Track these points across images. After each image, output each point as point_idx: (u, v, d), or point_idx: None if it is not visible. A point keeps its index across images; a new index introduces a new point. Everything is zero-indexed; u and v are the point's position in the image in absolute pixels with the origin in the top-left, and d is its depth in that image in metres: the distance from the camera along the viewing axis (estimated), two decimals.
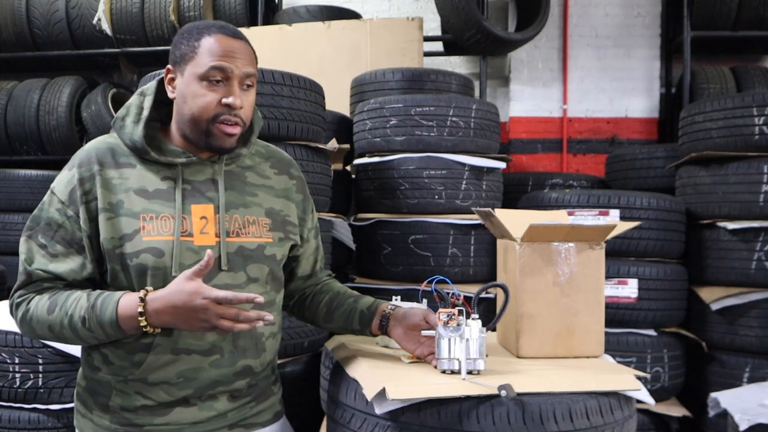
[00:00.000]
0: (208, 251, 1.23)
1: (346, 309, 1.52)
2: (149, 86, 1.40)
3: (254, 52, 1.39)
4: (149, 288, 1.27)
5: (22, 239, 1.35)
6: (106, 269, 1.32)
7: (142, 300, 1.24)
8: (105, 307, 1.25)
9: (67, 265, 1.31)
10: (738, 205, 3.04)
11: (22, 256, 1.33)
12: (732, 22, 4.67)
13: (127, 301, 1.25)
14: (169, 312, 1.23)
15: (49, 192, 1.36)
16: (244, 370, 1.40)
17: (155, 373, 1.32)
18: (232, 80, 1.32)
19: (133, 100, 1.40)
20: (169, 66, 1.37)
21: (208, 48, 1.31)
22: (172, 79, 1.37)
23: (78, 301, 1.27)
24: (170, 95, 1.37)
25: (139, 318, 1.24)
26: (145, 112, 1.36)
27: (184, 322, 1.23)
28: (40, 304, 1.30)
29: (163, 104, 1.41)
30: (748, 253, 3.02)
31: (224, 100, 1.32)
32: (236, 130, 1.35)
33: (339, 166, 3.30)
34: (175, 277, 1.28)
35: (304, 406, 2.66)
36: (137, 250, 1.29)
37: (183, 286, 1.21)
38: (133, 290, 1.31)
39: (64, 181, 1.35)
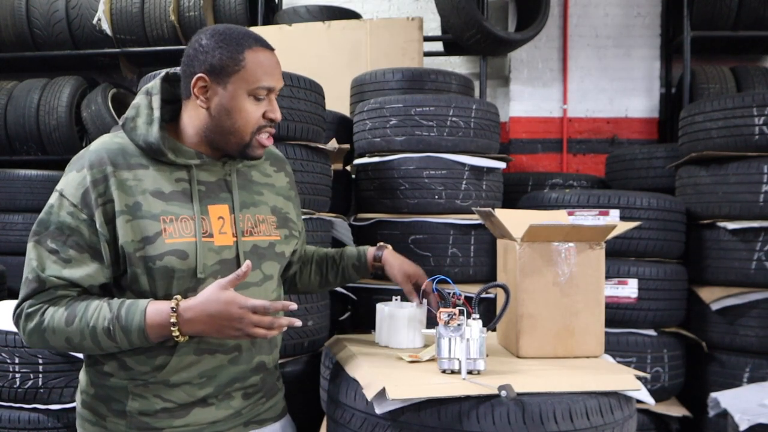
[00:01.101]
0: (247, 262, 1.25)
1: (337, 268, 1.67)
2: (154, 85, 1.38)
3: None
4: (178, 297, 1.25)
5: (30, 245, 1.29)
6: (123, 273, 1.30)
7: (174, 310, 1.23)
8: (131, 317, 1.23)
9: (83, 271, 1.27)
10: (738, 205, 3.04)
11: (32, 263, 1.27)
12: (732, 22, 4.67)
13: (156, 311, 1.24)
14: (203, 321, 1.22)
15: (57, 195, 1.30)
16: (259, 367, 1.42)
17: (178, 374, 1.32)
18: (272, 94, 1.37)
19: (140, 99, 1.37)
20: (201, 74, 1.32)
21: (254, 63, 1.33)
22: (205, 88, 1.33)
23: (99, 311, 1.24)
24: (200, 104, 1.34)
25: (172, 328, 1.23)
26: (156, 113, 1.34)
27: (217, 330, 1.23)
28: (56, 315, 1.25)
29: (166, 103, 1.40)
30: (748, 253, 3.02)
31: (269, 115, 1.36)
32: (271, 142, 1.40)
33: (339, 166, 3.30)
34: (200, 278, 1.29)
35: (304, 406, 2.66)
36: (160, 252, 1.28)
37: (218, 296, 1.21)
38: (154, 293, 1.29)
39: (74, 183, 1.29)
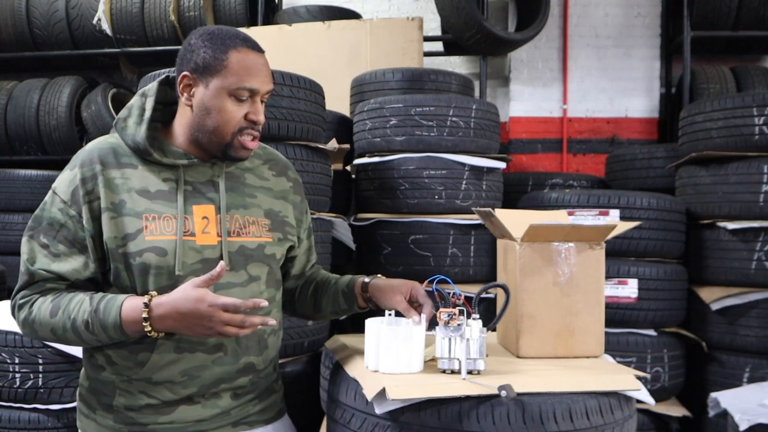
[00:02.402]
0: (221, 262, 1.24)
1: (329, 293, 1.56)
2: (150, 87, 1.40)
3: None
4: (153, 293, 1.27)
5: (24, 239, 1.34)
6: (109, 268, 1.33)
7: (147, 305, 1.24)
8: (108, 311, 1.25)
9: (70, 265, 1.31)
10: (738, 205, 3.04)
11: (24, 256, 1.33)
12: (732, 22, 4.67)
13: (131, 306, 1.25)
14: (173, 318, 1.23)
15: (50, 192, 1.36)
16: (247, 368, 1.41)
17: (159, 372, 1.32)
18: (256, 97, 1.36)
19: (135, 101, 1.40)
20: (186, 72, 1.34)
21: (237, 64, 1.32)
22: (189, 86, 1.35)
23: (81, 305, 1.27)
24: (185, 102, 1.36)
25: (144, 323, 1.24)
26: (147, 114, 1.37)
27: (188, 328, 1.24)
28: (42, 307, 1.30)
29: (163, 105, 1.42)
30: (748, 253, 3.02)
31: (250, 116, 1.35)
32: (256, 144, 1.39)
33: (339, 166, 3.30)
34: (179, 275, 1.30)
35: (304, 406, 2.66)
36: (140, 249, 1.30)
37: (189, 293, 1.22)
38: (136, 290, 1.31)
39: (65, 180, 1.35)
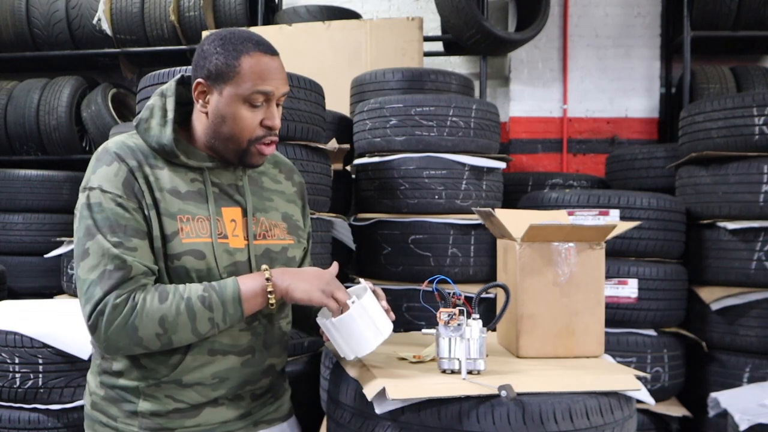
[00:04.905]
0: (335, 263, 1.35)
1: (305, 312, 1.55)
2: (168, 87, 1.38)
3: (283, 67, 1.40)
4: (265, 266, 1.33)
5: (89, 245, 1.24)
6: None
7: (266, 269, 1.31)
8: (224, 286, 1.27)
9: (151, 256, 1.27)
10: (738, 205, 3.04)
11: (103, 259, 1.23)
12: (732, 22, 4.67)
13: (246, 276, 1.31)
14: (294, 275, 1.31)
15: (97, 192, 1.27)
16: (269, 369, 1.43)
17: (190, 374, 1.32)
18: (271, 101, 1.34)
19: (155, 101, 1.37)
20: (200, 80, 1.32)
21: (250, 69, 1.30)
22: (204, 93, 1.33)
23: (190, 287, 1.25)
24: (200, 109, 1.35)
25: (266, 282, 1.28)
26: (170, 115, 1.34)
27: (306, 280, 1.30)
28: (148, 297, 1.22)
29: (180, 105, 1.40)
30: (748, 253, 3.02)
31: (266, 122, 1.33)
32: (272, 150, 1.38)
33: (339, 166, 3.30)
34: (222, 278, 1.32)
35: (304, 406, 2.66)
36: (178, 252, 1.28)
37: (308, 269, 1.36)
38: None
39: (109, 175, 1.28)
